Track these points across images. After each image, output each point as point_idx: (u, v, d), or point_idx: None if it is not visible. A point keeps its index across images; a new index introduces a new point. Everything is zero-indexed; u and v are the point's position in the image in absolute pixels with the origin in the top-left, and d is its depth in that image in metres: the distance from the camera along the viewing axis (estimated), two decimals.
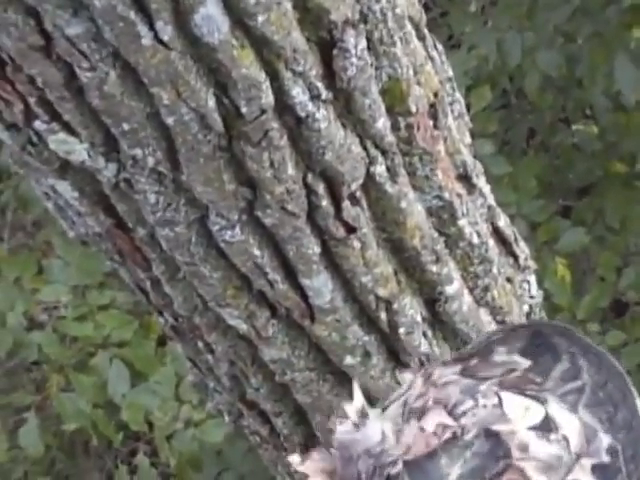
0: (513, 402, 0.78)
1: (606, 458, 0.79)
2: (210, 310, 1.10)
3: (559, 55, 2.32)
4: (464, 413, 0.77)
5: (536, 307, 1.31)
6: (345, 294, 1.08)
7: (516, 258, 1.27)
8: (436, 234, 1.11)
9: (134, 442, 2.77)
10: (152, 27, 0.82)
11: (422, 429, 0.78)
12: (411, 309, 1.13)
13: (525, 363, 0.84)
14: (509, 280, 1.25)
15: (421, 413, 0.79)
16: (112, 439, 2.40)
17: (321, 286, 1.06)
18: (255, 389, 1.20)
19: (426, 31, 1.09)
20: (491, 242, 1.20)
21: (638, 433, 0.81)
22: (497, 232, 1.23)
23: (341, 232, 1.02)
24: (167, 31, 0.82)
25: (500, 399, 0.78)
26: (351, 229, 1.02)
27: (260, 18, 0.84)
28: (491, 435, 0.77)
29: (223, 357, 1.17)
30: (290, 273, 1.05)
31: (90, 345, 2.33)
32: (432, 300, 1.15)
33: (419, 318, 1.14)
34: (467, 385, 0.80)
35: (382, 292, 1.09)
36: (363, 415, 0.81)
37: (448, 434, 0.77)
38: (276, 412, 1.24)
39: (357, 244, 1.04)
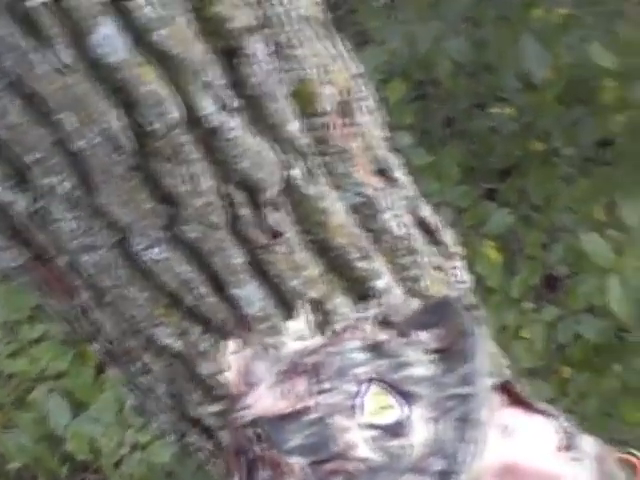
0: (372, 397, 0.77)
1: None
2: (142, 331, 1.08)
3: (467, 41, 2.34)
4: (324, 391, 0.77)
5: (467, 292, 1.32)
6: (276, 300, 1.08)
7: (443, 246, 1.27)
8: (360, 230, 1.11)
9: (82, 472, 2.74)
10: (51, 53, 0.80)
11: (287, 391, 0.79)
12: (343, 307, 1.13)
13: (429, 357, 0.82)
14: (438, 268, 1.26)
15: (295, 372, 0.79)
16: (58, 472, 2.38)
17: (251, 295, 1.05)
18: (196, 406, 1.19)
19: (332, 29, 1.09)
20: (416, 232, 1.20)
21: None
22: (421, 222, 1.23)
23: (265, 239, 1.02)
24: (66, 55, 0.80)
25: (365, 389, 0.77)
26: (275, 235, 1.02)
27: (160, 33, 0.83)
28: (326, 425, 0.78)
29: (161, 377, 1.16)
30: (219, 285, 1.04)
31: (27, 380, 2.30)
32: (363, 296, 1.15)
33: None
34: (346, 364, 0.79)
35: (313, 294, 1.09)
36: (299, 338, 0.82)
37: (300, 406, 0.78)
38: (220, 426, 1.22)
39: (282, 249, 1.03)
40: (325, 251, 1.09)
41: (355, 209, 1.10)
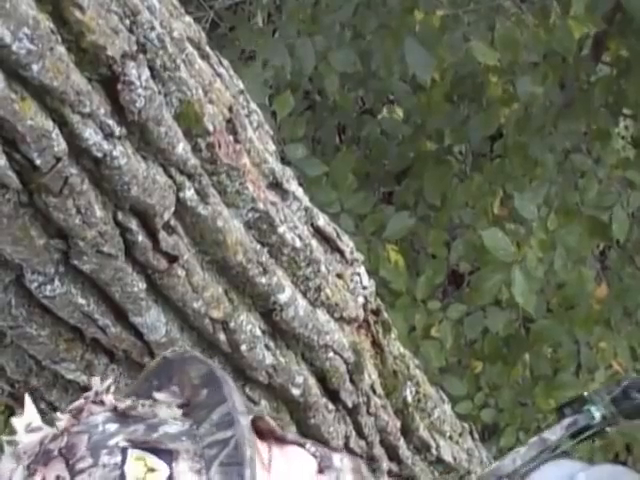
0: (134, 463, 0.77)
1: None
2: (46, 369, 1.07)
3: (351, 52, 2.36)
4: (82, 471, 0.76)
5: (370, 297, 1.33)
6: (180, 324, 1.08)
7: (342, 253, 1.28)
8: (259, 246, 1.11)
9: None
10: None
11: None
12: (249, 324, 1.13)
13: (178, 412, 0.82)
14: (339, 276, 1.27)
15: (47, 459, 0.78)
16: None
17: (154, 321, 1.05)
18: None
19: (208, 49, 1.09)
20: (314, 242, 1.21)
21: None
22: (318, 231, 1.24)
23: (163, 263, 1.01)
24: None
25: (123, 458, 0.77)
26: (172, 259, 1.01)
27: (35, 67, 0.82)
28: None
29: None
30: (120, 314, 1.03)
31: None
32: (268, 311, 1.16)
33: (258, 332, 1.14)
34: (97, 439, 0.78)
35: (216, 314, 1.08)
36: (32, 430, 0.80)
37: None
38: None
39: (181, 272, 1.03)
40: (225, 270, 1.09)
41: (251, 225, 1.10)
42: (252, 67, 2.40)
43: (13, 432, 0.80)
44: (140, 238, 0.98)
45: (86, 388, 1.08)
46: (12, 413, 2.21)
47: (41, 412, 1.14)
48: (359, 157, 2.77)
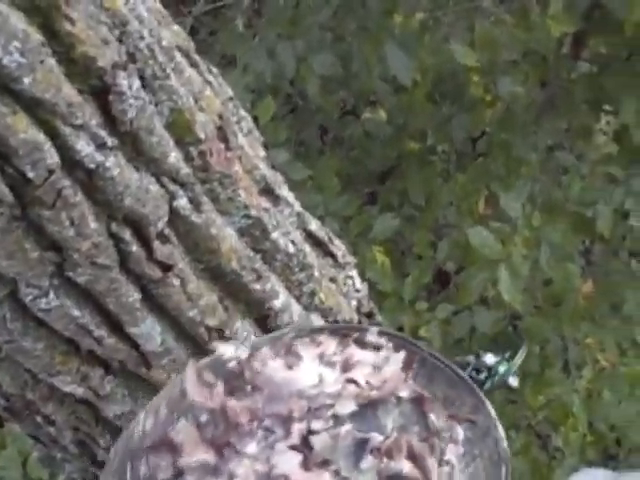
0: None
1: None
2: (41, 382, 1.06)
3: (331, 54, 2.36)
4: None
5: (364, 300, 1.33)
6: (176, 333, 1.07)
7: (334, 257, 1.28)
8: (252, 252, 1.11)
9: None
10: None
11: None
12: (244, 332, 1.12)
13: None
14: (333, 280, 1.27)
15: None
16: None
17: (150, 331, 1.04)
18: (105, 449, 1.17)
19: (197, 57, 1.09)
20: (307, 247, 1.21)
21: None
22: (311, 236, 1.24)
23: (157, 273, 1.01)
24: None
25: None
26: (167, 268, 1.01)
27: (26, 80, 0.82)
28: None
29: (65, 426, 1.14)
30: (116, 325, 1.03)
31: None
32: (263, 317, 1.16)
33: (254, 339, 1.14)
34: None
35: (212, 322, 1.08)
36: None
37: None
38: None
39: (176, 281, 1.03)
40: (219, 277, 1.09)
41: (244, 232, 1.10)
42: (233, 72, 2.39)
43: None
44: (134, 248, 0.98)
45: (82, 400, 1.08)
46: (1, 424, 2.21)
47: (37, 425, 1.14)
48: (343, 158, 2.78)
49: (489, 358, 1.36)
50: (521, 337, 1.30)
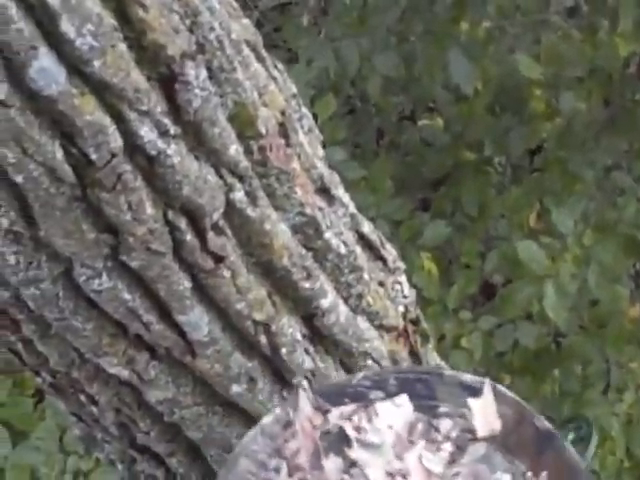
0: None
1: None
2: (88, 362, 1.08)
3: (395, 56, 2.36)
4: None
5: (411, 306, 1.33)
6: (222, 324, 1.08)
7: (385, 261, 1.28)
8: (304, 250, 1.12)
9: None
10: None
11: None
12: (290, 328, 1.13)
13: None
14: (381, 284, 1.27)
15: None
16: None
17: (197, 320, 1.05)
18: (145, 433, 1.18)
19: (264, 52, 1.09)
20: (358, 249, 1.21)
21: None
22: (363, 239, 1.24)
23: (209, 263, 1.01)
24: (2, 89, 0.79)
25: None
26: (219, 259, 1.02)
27: (96, 63, 0.82)
28: None
29: (108, 407, 1.15)
30: (164, 312, 1.04)
31: None
32: (309, 316, 1.16)
33: (299, 336, 1.14)
34: None
35: (259, 316, 1.09)
36: None
37: None
38: (169, 452, 1.22)
39: (227, 273, 1.03)
40: (269, 273, 1.09)
41: (298, 229, 1.10)
42: (295, 68, 2.40)
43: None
44: (188, 237, 0.98)
45: (126, 383, 1.10)
46: (42, 398, 2.24)
47: (80, 404, 1.15)
48: (397, 163, 2.77)
49: None
50: (588, 422, 1.24)
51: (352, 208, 1.22)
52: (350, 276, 1.18)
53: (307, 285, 1.11)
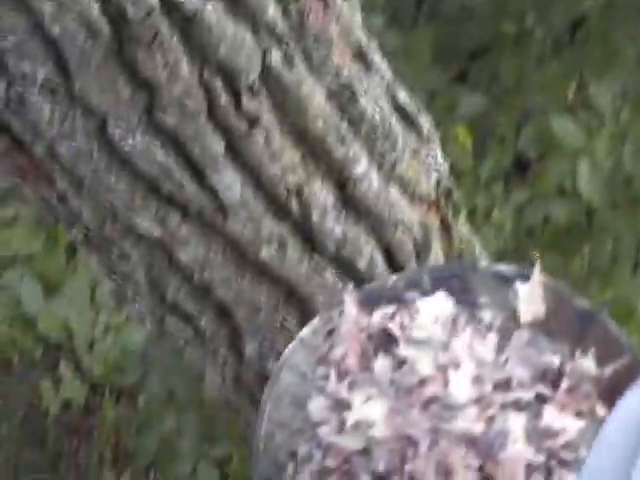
0: None
1: None
2: (121, 219, 1.08)
3: None
4: None
5: (444, 176, 1.32)
6: (255, 187, 1.08)
7: (419, 131, 1.27)
8: (338, 116, 1.11)
9: (55, 359, 2.75)
10: None
11: None
12: (321, 194, 1.13)
13: None
14: (415, 153, 1.26)
15: None
16: (32, 354, 2.39)
17: (230, 182, 1.05)
18: (175, 291, 1.20)
19: None
20: (393, 118, 1.20)
21: None
22: (398, 107, 1.22)
23: (243, 125, 1.01)
24: None
25: None
26: (253, 121, 1.01)
27: None
28: None
29: (139, 263, 1.16)
30: (197, 172, 1.04)
31: None
32: (341, 183, 1.16)
33: (330, 203, 1.14)
34: None
35: (291, 180, 1.09)
36: None
37: None
38: (198, 311, 1.24)
39: (261, 136, 1.03)
40: (303, 137, 1.09)
41: (333, 95, 1.09)
42: None
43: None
44: (223, 98, 0.98)
45: (158, 241, 1.11)
46: (74, 252, 2.26)
47: (113, 260, 1.17)
48: (436, 31, 2.72)
49: None
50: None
51: (389, 76, 1.21)
52: (384, 144, 1.17)
53: (341, 151, 1.11)
